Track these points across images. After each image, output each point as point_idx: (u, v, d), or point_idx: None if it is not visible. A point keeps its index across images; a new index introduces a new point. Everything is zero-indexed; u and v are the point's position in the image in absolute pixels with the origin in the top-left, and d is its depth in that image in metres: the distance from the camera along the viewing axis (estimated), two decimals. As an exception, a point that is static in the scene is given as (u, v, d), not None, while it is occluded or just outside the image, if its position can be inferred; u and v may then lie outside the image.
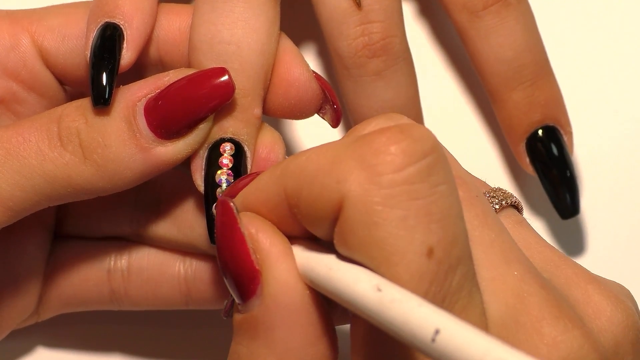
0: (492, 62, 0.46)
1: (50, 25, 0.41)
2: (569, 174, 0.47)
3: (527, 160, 0.47)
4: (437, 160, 0.31)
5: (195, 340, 0.47)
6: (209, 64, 0.39)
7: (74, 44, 0.41)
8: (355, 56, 0.45)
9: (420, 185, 0.31)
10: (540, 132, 0.47)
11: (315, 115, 0.41)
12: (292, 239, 0.34)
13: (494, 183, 0.50)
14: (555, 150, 0.47)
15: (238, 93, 0.38)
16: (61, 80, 0.42)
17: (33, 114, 0.41)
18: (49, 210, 0.41)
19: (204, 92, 0.38)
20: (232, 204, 0.34)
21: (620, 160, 0.51)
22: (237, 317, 0.34)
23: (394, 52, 0.45)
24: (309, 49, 0.52)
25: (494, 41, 0.46)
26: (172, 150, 0.38)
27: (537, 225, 0.50)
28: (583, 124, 0.51)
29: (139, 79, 0.40)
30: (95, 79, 0.38)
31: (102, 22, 0.39)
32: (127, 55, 0.39)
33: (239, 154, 0.39)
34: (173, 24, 0.41)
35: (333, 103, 0.41)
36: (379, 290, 0.30)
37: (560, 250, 0.49)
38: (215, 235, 0.35)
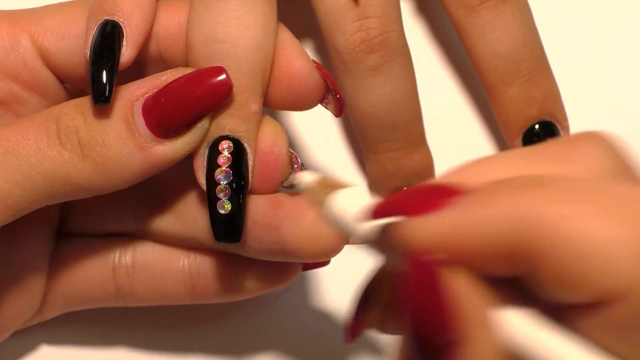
0: (489, 57, 0.47)
1: (50, 24, 0.41)
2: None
3: None
4: None
5: (201, 333, 0.48)
6: (205, 63, 0.39)
7: (74, 43, 0.41)
8: (353, 52, 0.45)
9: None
10: (536, 127, 0.47)
11: (318, 105, 0.41)
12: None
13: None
14: None
15: (234, 90, 0.38)
16: (62, 79, 0.42)
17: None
18: (52, 209, 0.41)
19: (201, 91, 0.38)
20: (433, 261, 0.27)
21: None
22: None
23: (391, 47, 0.45)
24: (307, 44, 0.52)
25: (490, 36, 0.46)
26: (171, 148, 0.38)
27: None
28: (582, 122, 0.51)
29: (139, 76, 0.40)
30: (96, 77, 0.38)
31: (101, 20, 0.39)
32: (127, 52, 0.39)
33: (238, 151, 0.39)
34: (172, 20, 0.41)
35: (335, 92, 0.41)
36: None
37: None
38: (405, 297, 0.27)
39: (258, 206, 0.39)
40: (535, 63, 0.47)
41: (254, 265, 0.42)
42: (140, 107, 0.38)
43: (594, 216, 0.26)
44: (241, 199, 0.39)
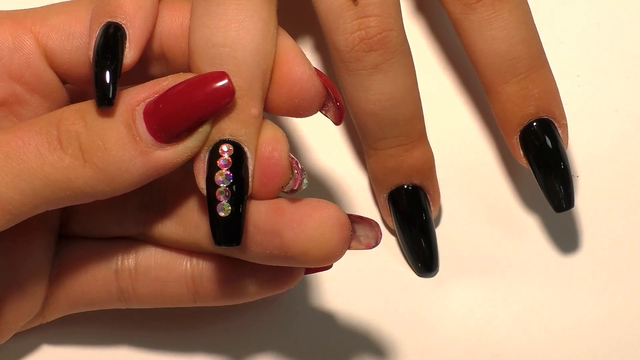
0: (486, 55, 0.46)
1: (54, 23, 0.41)
2: (562, 166, 0.47)
3: (521, 152, 0.47)
4: None
5: (202, 334, 0.48)
6: (205, 67, 0.39)
7: (79, 42, 0.41)
8: (353, 50, 0.45)
9: None
10: (534, 124, 0.47)
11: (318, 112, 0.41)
12: None
13: (488, 175, 0.51)
14: (549, 143, 0.47)
15: (235, 94, 0.38)
16: (65, 79, 0.42)
17: (35, 115, 0.41)
18: (52, 213, 0.41)
19: (203, 96, 0.38)
20: None
21: (618, 157, 0.51)
22: None
23: (391, 45, 0.45)
24: (307, 43, 0.52)
25: (487, 34, 0.46)
26: (172, 153, 0.38)
27: (531, 219, 0.50)
28: (581, 121, 0.51)
29: (142, 77, 0.40)
30: (99, 79, 0.38)
31: (104, 22, 0.39)
32: (130, 54, 0.39)
33: (238, 155, 0.39)
34: (175, 20, 0.41)
35: (336, 100, 0.41)
36: None
37: (554, 246, 0.50)
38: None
39: (259, 211, 0.39)
40: (532, 60, 0.47)
41: (256, 269, 0.42)
42: (141, 111, 0.38)
43: None
44: (241, 202, 0.38)
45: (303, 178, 0.40)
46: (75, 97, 0.43)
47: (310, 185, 0.41)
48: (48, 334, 0.47)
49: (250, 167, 0.39)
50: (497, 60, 0.46)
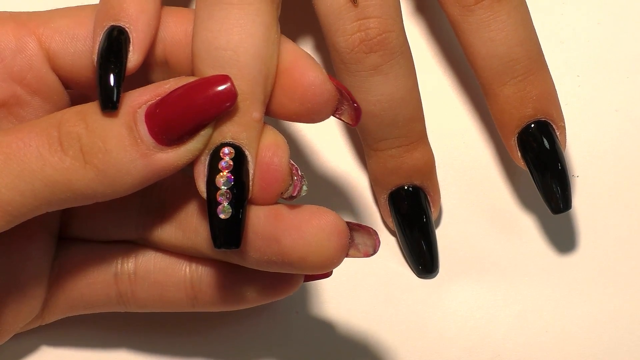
0: (484, 57, 0.46)
1: (57, 26, 0.41)
2: (559, 168, 0.47)
3: (519, 154, 0.47)
4: None
5: (202, 337, 0.48)
6: (208, 70, 0.39)
7: (82, 45, 0.41)
8: (353, 52, 0.45)
9: None
10: (532, 126, 0.47)
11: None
12: None
13: (488, 176, 0.51)
14: (546, 145, 0.47)
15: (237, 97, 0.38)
16: (66, 83, 0.42)
17: (35, 117, 0.41)
18: (52, 215, 0.41)
19: (205, 99, 0.38)
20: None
21: (618, 157, 0.51)
22: None
23: (390, 47, 0.45)
24: (307, 43, 0.52)
25: (485, 36, 0.46)
26: (173, 156, 0.38)
27: (531, 220, 0.50)
28: (581, 121, 0.51)
29: (144, 82, 0.40)
30: (103, 82, 0.38)
31: (107, 26, 0.39)
32: (134, 58, 0.39)
33: (239, 158, 0.39)
34: (180, 27, 0.41)
35: (352, 101, 0.41)
36: None
37: (554, 246, 0.50)
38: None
39: (258, 217, 0.39)
40: (530, 62, 0.46)
41: (255, 275, 0.42)
42: (143, 114, 0.38)
43: None
44: (242, 205, 0.38)
45: (302, 185, 0.40)
46: (76, 101, 0.42)
47: (311, 186, 0.41)
48: (47, 335, 0.47)
49: (251, 171, 0.39)
50: (495, 62, 0.46)
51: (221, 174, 0.38)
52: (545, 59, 0.47)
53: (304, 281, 0.43)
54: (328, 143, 0.51)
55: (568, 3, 0.52)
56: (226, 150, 0.39)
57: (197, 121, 0.38)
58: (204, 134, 0.38)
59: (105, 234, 0.44)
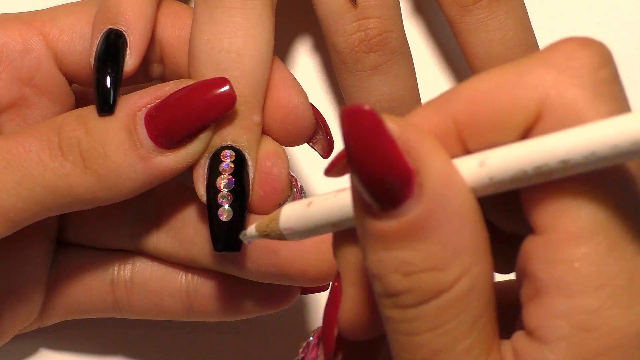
0: (482, 57, 0.46)
1: (64, 25, 0.41)
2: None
3: None
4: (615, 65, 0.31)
5: (198, 344, 0.48)
6: (209, 72, 0.39)
7: (89, 44, 0.40)
8: (352, 51, 0.45)
9: (616, 86, 0.30)
10: None
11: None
12: None
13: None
14: None
15: (238, 100, 0.38)
16: (74, 80, 0.42)
17: (42, 119, 0.41)
18: (51, 219, 0.41)
19: (204, 102, 0.38)
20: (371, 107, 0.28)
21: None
22: (385, 226, 0.29)
23: (390, 46, 0.45)
24: (307, 44, 0.52)
25: (483, 36, 0.46)
26: (173, 159, 0.38)
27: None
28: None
29: (141, 76, 0.40)
30: (100, 85, 0.38)
31: (105, 29, 0.39)
32: (131, 61, 0.39)
33: (239, 161, 0.38)
34: (175, 27, 0.41)
35: (327, 134, 0.41)
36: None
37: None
38: (348, 145, 0.28)
39: None
40: (529, 63, 0.46)
41: (251, 287, 0.42)
42: (142, 117, 0.38)
43: (492, 76, 0.29)
44: (243, 208, 0.38)
45: (302, 197, 0.40)
46: (81, 102, 0.42)
47: (310, 193, 0.41)
48: (46, 337, 0.47)
49: (251, 175, 0.39)
50: (492, 62, 0.46)
51: (222, 176, 0.38)
52: (545, 59, 0.47)
53: (301, 294, 0.43)
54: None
55: (568, 3, 0.52)
56: (227, 153, 0.38)
57: (197, 124, 0.38)
58: (203, 137, 0.38)
59: (101, 242, 0.43)
